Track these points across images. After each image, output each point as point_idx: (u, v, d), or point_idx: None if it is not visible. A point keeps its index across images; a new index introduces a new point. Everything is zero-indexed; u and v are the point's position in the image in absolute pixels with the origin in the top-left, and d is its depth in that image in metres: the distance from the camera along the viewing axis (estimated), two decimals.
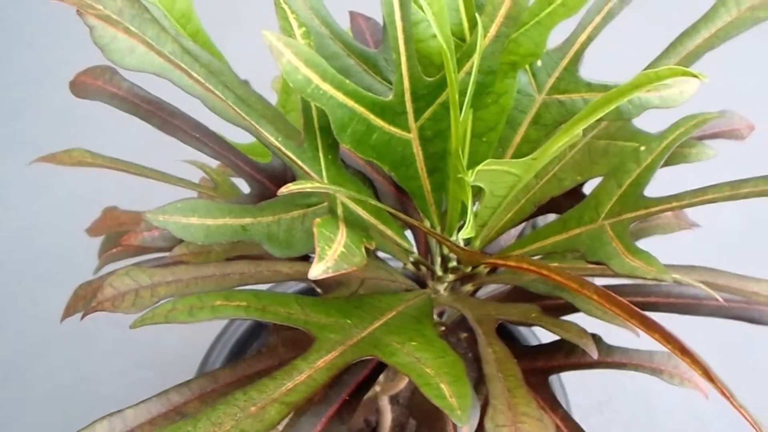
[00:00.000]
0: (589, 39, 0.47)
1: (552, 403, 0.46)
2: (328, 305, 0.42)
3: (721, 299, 0.49)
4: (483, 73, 0.44)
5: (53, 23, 1.38)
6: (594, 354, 0.43)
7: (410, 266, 0.56)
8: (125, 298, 0.41)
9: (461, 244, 0.45)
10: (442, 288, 0.54)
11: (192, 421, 0.29)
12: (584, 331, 0.44)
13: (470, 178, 0.34)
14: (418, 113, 0.45)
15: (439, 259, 0.54)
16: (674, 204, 0.42)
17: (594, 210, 0.46)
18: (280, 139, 0.40)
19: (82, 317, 0.41)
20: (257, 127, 0.39)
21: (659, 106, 0.47)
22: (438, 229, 0.51)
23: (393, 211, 0.37)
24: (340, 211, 0.42)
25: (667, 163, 0.48)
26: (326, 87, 0.40)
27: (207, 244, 0.48)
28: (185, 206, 0.44)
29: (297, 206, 0.48)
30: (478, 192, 0.49)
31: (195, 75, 0.39)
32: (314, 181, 0.41)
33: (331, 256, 0.32)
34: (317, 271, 0.31)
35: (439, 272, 0.53)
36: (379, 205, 0.37)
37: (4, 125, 1.29)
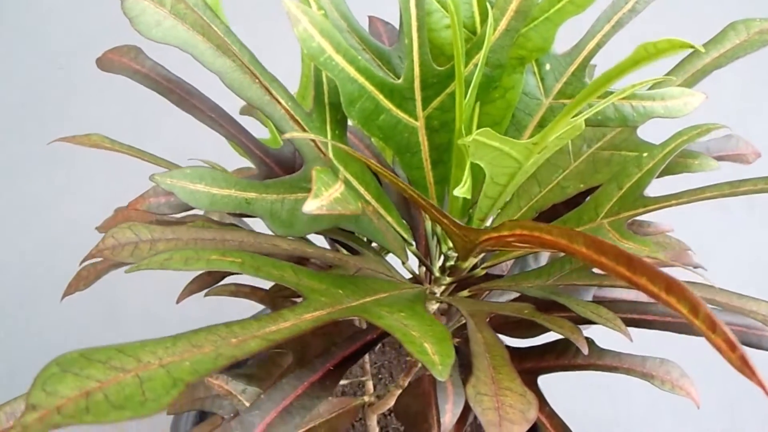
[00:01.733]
0: (598, 46, 0.48)
1: (539, 401, 0.45)
2: (322, 276, 0.42)
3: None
4: (491, 67, 0.45)
5: (85, 44, 1.44)
6: (584, 349, 0.42)
7: (408, 266, 0.56)
8: (124, 248, 0.41)
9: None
10: (439, 291, 0.54)
11: (171, 339, 0.30)
12: (576, 327, 0.44)
13: (469, 139, 0.35)
14: (426, 101, 0.46)
15: (438, 263, 0.54)
16: (673, 202, 0.42)
17: (593, 211, 0.47)
18: (290, 103, 0.41)
19: (81, 263, 0.42)
20: (269, 88, 0.40)
21: (663, 116, 0.47)
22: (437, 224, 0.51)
23: (393, 177, 0.37)
24: (341, 177, 0.43)
25: (669, 172, 0.49)
26: (338, 59, 0.41)
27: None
28: (193, 173, 0.45)
29: (302, 189, 0.49)
30: (474, 205, 0.50)
31: (215, 29, 0.41)
32: (321, 145, 0.42)
33: (327, 197, 0.33)
34: (312, 206, 0.32)
35: (437, 273, 0.53)
36: (385, 171, 0.38)
37: (29, 139, 1.33)
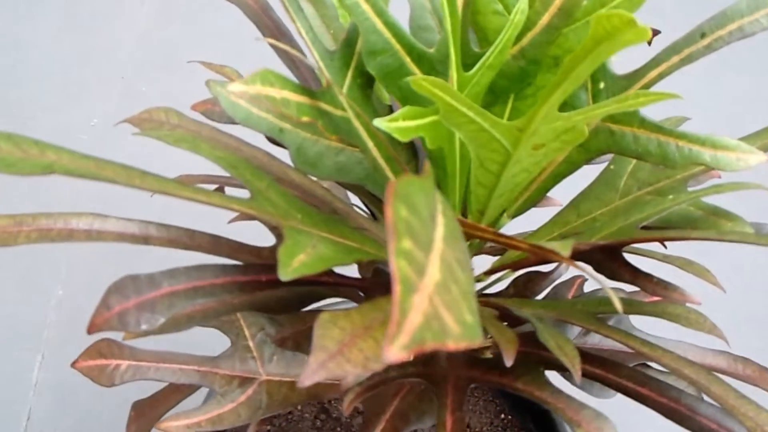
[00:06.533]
0: (660, 77, 0.45)
1: (456, 405, 0.42)
2: (291, 201, 0.44)
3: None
4: (528, 61, 0.44)
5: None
6: (508, 362, 0.39)
7: None
8: (152, 123, 0.48)
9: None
10: None
11: (90, 157, 0.34)
12: (515, 341, 0.40)
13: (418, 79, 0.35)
14: None
15: None
16: (665, 236, 0.38)
17: (587, 236, 0.43)
18: (310, 35, 0.45)
19: (116, 124, 0.49)
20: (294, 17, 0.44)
21: (709, 165, 0.42)
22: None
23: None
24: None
25: (697, 228, 0.43)
26: (366, 7, 0.44)
27: None
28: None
29: (336, 139, 0.52)
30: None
31: None
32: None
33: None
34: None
35: None
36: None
37: None
